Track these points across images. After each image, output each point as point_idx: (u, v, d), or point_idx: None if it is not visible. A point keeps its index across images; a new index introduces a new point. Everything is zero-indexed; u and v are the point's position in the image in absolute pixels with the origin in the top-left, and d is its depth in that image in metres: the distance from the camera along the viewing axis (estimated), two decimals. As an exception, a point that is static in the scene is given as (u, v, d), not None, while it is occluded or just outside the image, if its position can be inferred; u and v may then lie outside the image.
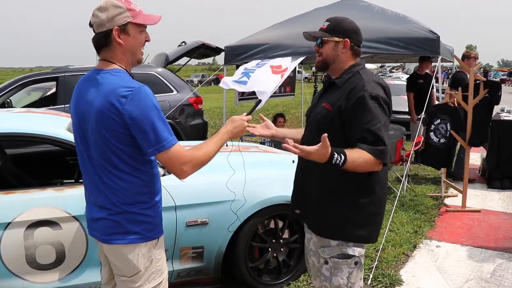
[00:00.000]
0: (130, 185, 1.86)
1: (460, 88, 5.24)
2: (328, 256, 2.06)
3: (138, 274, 1.93)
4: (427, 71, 7.15)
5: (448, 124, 5.31)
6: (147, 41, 1.94)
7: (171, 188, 2.98)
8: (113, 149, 1.81)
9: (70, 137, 2.82)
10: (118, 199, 1.86)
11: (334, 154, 1.79)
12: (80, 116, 1.90)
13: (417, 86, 6.86)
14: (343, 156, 1.80)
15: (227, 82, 4.91)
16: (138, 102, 1.75)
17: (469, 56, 6.23)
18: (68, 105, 2.12)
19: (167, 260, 3.00)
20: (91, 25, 1.87)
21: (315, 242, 2.19)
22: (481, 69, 27.70)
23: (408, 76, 9.26)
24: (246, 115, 2.15)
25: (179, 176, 1.88)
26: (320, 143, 1.74)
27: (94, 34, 1.88)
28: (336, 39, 2.06)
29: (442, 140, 5.36)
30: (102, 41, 1.86)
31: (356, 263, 2.05)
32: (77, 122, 1.93)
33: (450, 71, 20.98)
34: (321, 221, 2.09)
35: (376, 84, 2.00)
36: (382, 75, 29.96)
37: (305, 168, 2.18)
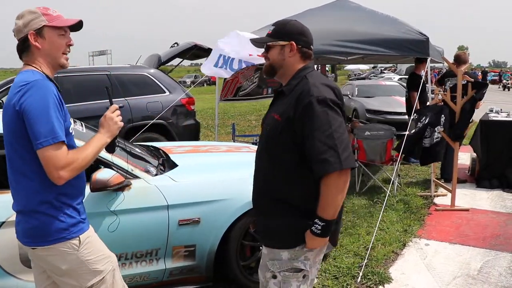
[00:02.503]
0: (42, 180, 1.87)
1: (448, 89, 5.32)
2: (278, 270, 1.96)
3: (68, 274, 1.95)
4: (423, 71, 7.25)
5: (428, 119, 5.34)
6: (70, 45, 2.00)
7: (164, 188, 3.02)
8: (21, 143, 1.85)
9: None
10: (31, 198, 1.88)
11: (312, 228, 1.85)
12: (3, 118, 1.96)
13: (419, 85, 6.95)
14: (318, 221, 1.84)
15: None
16: (29, 95, 1.80)
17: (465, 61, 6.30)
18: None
19: (159, 258, 3.05)
20: (14, 33, 1.97)
21: (265, 254, 2.04)
22: (481, 71, 27.91)
23: (399, 76, 9.35)
24: (110, 105, 2.12)
25: (55, 182, 1.84)
26: None
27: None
28: (282, 42, 1.98)
29: (428, 139, 5.40)
30: (21, 46, 1.95)
31: (304, 276, 1.97)
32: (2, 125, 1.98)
33: (441, 71, 21.15)
34: (266, 229, 2.03)
35: (324, 86, 1.89)
36: (374, 76, 30.13)
37: (256, 171, 2.08)
